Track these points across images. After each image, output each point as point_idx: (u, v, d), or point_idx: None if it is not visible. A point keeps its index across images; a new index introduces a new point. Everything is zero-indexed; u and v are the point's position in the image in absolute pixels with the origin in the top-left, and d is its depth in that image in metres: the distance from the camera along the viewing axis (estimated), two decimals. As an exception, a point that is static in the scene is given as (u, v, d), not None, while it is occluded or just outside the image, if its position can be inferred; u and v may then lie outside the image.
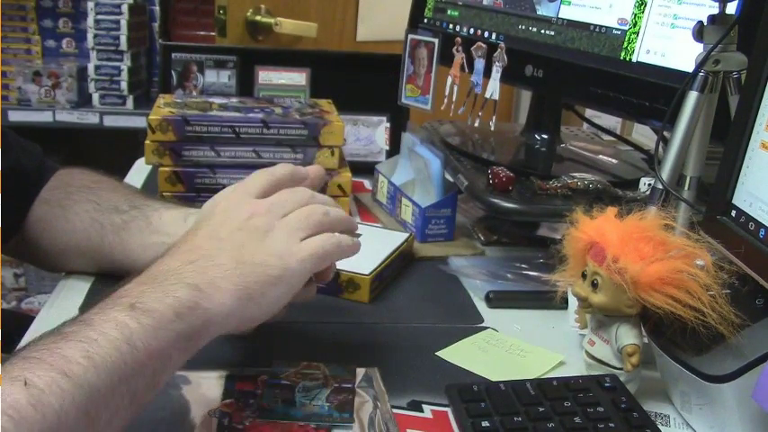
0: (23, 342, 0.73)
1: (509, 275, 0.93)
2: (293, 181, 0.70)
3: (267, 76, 1.30)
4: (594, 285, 0.67)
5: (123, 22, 2.06)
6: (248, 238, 0.62)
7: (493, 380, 0.70)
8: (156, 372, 0.53)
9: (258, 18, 1.80)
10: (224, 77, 1.31)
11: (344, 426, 0.62)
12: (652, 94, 0.89)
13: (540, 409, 0.63)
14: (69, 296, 0.82)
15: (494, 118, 1.04)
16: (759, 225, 0.63)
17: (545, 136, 1.17)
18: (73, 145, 2.24)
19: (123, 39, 2.07)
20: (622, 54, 0.93)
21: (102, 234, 0.82)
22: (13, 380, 0.46)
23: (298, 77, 1.30)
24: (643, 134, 1.41)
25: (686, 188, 0.80)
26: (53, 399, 0.46)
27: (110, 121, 2.10)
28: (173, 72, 1.30)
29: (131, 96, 2.10)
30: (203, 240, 0.62)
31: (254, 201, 0.66)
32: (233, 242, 0.62)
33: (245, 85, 1.30)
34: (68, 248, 0.84)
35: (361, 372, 0.69)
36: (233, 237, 0.62)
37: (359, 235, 0.70)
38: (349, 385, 0.67)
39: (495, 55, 1.03)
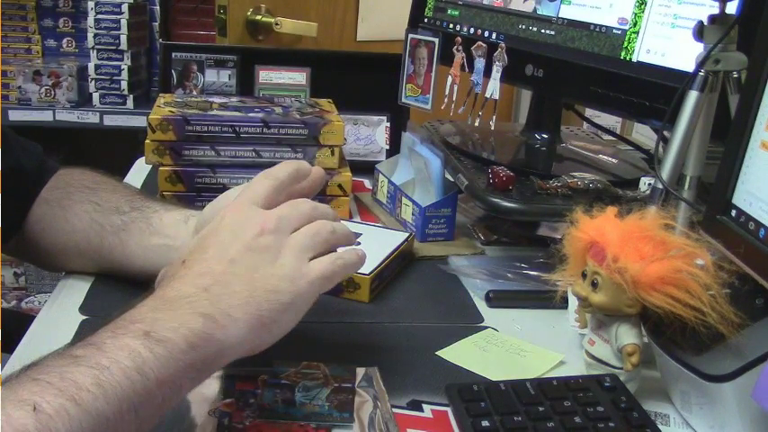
0: (23, 343, 0.73)
1: (509, 275, 0.93)
2: (297, 179, 0.70)
3: (267, 76, 1.30)
4: (594, 285, 0.67)
5: (123, 22, 2.06)
6: (260, 260, 0.61)
7: (493, 379, 0.70)
8: (165, 399, 0.53)
9: (258, 18, 1.80)
10: (224, 77, 1.31)
11: (344, 425, 0.62)
12: (652, 93, 0.89)
13: (540, 409, 0.63)
14: (69, 296, 0.82)
15: (494, 117, 1.04)
16: (759, 225, 0.63)
17: (545, 135, 1.17)
18: (73, 144, 2.23)
19: (123, 38, 2.07)
20: (622, 54, 0.94)
21: (101, 235, 0.82)
22: (22, 403, 0.46)
23: (298, 77, 1.30)
24: (643, 134, 1.41)
25: (686, 188, 0.80)
26: (60, 425, 0.46)
27: (110, 121, 2.11)
28: (173, 71, 1.30)
29: (131, 96, 2.11)
30: (215, 263, 0.61)
31: (261, 214, 0.64)
32: (245, 265, 0.61)
33: (246, 85, 1.30)
34: (68, 248, 0.84)
35: (361, 371, 0.69)
36: (244, 258, 0.61)
37: (359, 243, 0.70)
38: (349, 385, 0.67)
39: (495, 54, 1.03)
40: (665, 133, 0.83)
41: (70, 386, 0.48)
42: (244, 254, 0.61)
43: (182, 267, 0.61)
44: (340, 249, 0.67)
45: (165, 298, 0.58)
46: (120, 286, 0.83)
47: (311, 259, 0.64)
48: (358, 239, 0.94)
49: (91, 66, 2.09)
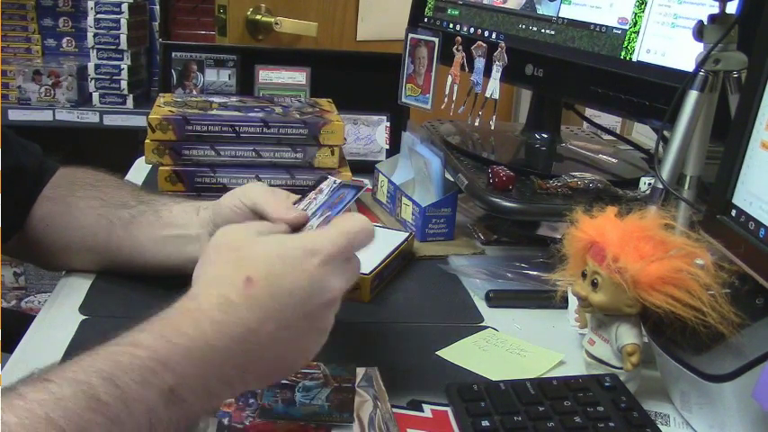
0: (23, 343, 0.73)
1: (509, 275, 0.93)
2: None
3: (267, 76, 1.30)
4: (594, 285, 0.67)
5: (123, 21, 2.06)
6: (308, 333, 0.57)
7: (493, 379, 0.70)
8: None
9: (258, 17, 1.80)
10: (224, 76, 1.31)
11: (344, 425, 0.62)
12: (652, 93, 0.89)
13: (540, 409, 0.63)
14: (69, 295, 0.82)
15: (494, 117, 1.04)
16: (759, 224, 0.63)
17: (545, 135, 1.17)
18: (73, 144, 2.24)
19: (123, 38, 2.07)
20: (623, 53, 0.93)
21: (109, 229, 0.81)
22: None
23: (298, 76, 1.30)
24: (643, 133, 1.41)
25: (686, 187, 0.80)
26: None
27: (110, 121, 2.10)
28: (173, 71, 1.30)
29: (131, 95, 2.10)
30: (269, 324, 0.55)
31: (341, 282, 0.58)
32: (293, 334, 0.56)
33: (246, 85, 1.30)
34: (73, 245, 0.84)
35: (361, 371, 0.69)
36: (297, 327, 0.56)
37: None
38: (349, 385, 0.67)
39: (495, 54, 1.03)
40: (665, 133, 0.83)
41: None
42: (300, 322, 0.56)
43: (250, 297, 0.55)
44: None
45: (208, 343, 0.53)
46: (120, 286, 0.83)
47: None
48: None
49: (91, 65, 2.08)
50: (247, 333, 0.54)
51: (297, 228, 0.64)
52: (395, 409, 0.65)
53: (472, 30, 1.13)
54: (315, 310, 0.57)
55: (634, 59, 0.92)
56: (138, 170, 1.25)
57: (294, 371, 0.62)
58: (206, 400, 0.53)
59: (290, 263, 0.57)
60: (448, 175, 1.04)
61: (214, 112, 1.05)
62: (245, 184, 0.72)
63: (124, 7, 2.05)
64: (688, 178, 0.80)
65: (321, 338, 0.58)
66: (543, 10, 1.04)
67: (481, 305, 0.87)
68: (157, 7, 2.22)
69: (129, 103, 2.11)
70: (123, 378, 0.49)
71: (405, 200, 1.06)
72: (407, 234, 0.97)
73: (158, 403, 0.50)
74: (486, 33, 1.11)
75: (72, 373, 0.48)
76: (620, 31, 0.94)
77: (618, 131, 1.42)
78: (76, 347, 0.71)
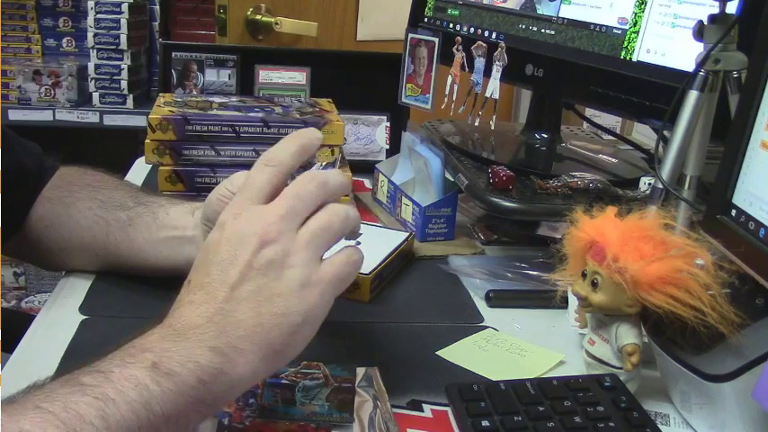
0: (23, 343, 0.73)
1: (509, 275, 0.93)
2: (303, 157, 0.64)
3: (267, 75, 1.30)
4: (594, 285, 0.67)
5: (123, 21, 2.06)
6: (263, 281, 0.56)
7: (493, 379, 0.70)
8: None
9: (258, 17, 1.80)
10: (224, 76, 1.31)
11: (344, 425, 0.62)
12: (652, 93, 0.89)
13: (540, 409, 0.63)
14: (69, 295, 0.82)
15: (494, 117, 1.04)
16: (759, 224, 0.63)
17: (545, 135, 1.17)
18: (73, 144, 2.24)
19: (123, 38, 2.07)
20: (623, 53, 0.94)
21: (107, 231, 0.82)
22: None
23: (298, 76, 1.30)
24: (643, 133, 1.41)
25: (686, 187, 0.80)
26: None
27: (110, 120, 2.10)
28: (173, 71, 1.30)
29: (131, 95, 2.11)
30: (216, 288, 0.56)
31: (260, 220, 0.58)
32: (247, 289, 0.56)
33: (246, 85, 1.31)
34: (72, 245, 0.84)
35: (361, 371, 0.69)
36: (245, 282, 0.56)
37: (359, 243, 0.65)
38: (349, 385, 0.67)
39: (495, 54, 1.03)
40: (665, 133, 0.83)
41: (73, 418, 0.46)
42: (245, 275, 0.56)
43: (186, 290, 0.58)
44: (343, 242, 0.62)
45: (174, 327, 0.54)
46: (120, 286, 0.83)
47: (323, 255, 0.59)
48: (358, 239, 0.94)
49: (91, 65, 2.09)
50: (202, 307, 0.55)
51: None
52: (395, 409, 0.65)
53: (472, 30, 1.13)
54: (252, 258, 0.57)
55: (634, 59, 0.92)
56: (138, 170, 1.25)
57: (284, 314, 0.56)
58: (199, 369, 0.52)
59: (211, 235, 0.60)
60: (448, 175, 1.04)
61: (214, 111, 1.05)
62: (229, 177, 0.71)
63: (124, 7, 2.06)
64: (688, 178, 0.80)
65: (290, 273, 0.57)
66: (543, 10, 1.04)
67: (481, 305, 0.87)
68: (157, 7, 2.23)
69: (129, 103, 2.11)
70: (104, 365, 0.51)
71: (405, 200, 1.06)
72: (407, 234, 0.97)
73: (145, 377, 0.50)
74: (486, 33, 1.11)
75: (61, 376, 0.51)
76: (620, 31, 0.94)
77: (618, 131, 1.42)
78: (76, 347, 0.72)
